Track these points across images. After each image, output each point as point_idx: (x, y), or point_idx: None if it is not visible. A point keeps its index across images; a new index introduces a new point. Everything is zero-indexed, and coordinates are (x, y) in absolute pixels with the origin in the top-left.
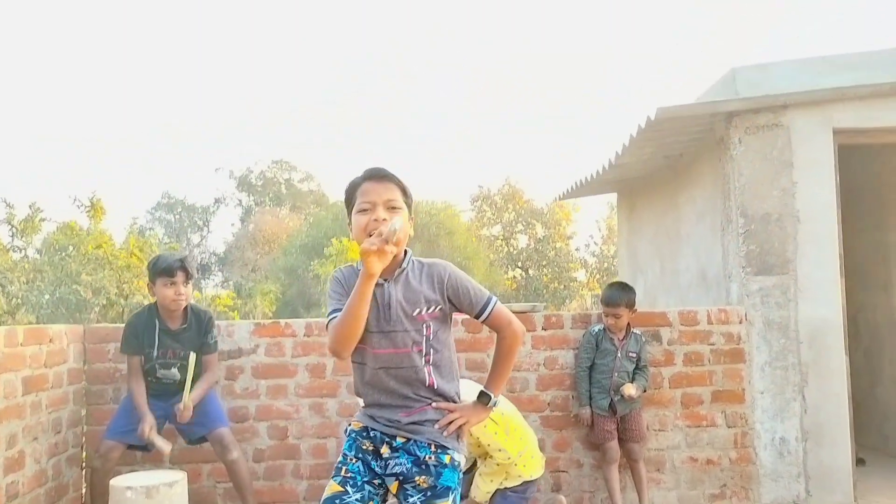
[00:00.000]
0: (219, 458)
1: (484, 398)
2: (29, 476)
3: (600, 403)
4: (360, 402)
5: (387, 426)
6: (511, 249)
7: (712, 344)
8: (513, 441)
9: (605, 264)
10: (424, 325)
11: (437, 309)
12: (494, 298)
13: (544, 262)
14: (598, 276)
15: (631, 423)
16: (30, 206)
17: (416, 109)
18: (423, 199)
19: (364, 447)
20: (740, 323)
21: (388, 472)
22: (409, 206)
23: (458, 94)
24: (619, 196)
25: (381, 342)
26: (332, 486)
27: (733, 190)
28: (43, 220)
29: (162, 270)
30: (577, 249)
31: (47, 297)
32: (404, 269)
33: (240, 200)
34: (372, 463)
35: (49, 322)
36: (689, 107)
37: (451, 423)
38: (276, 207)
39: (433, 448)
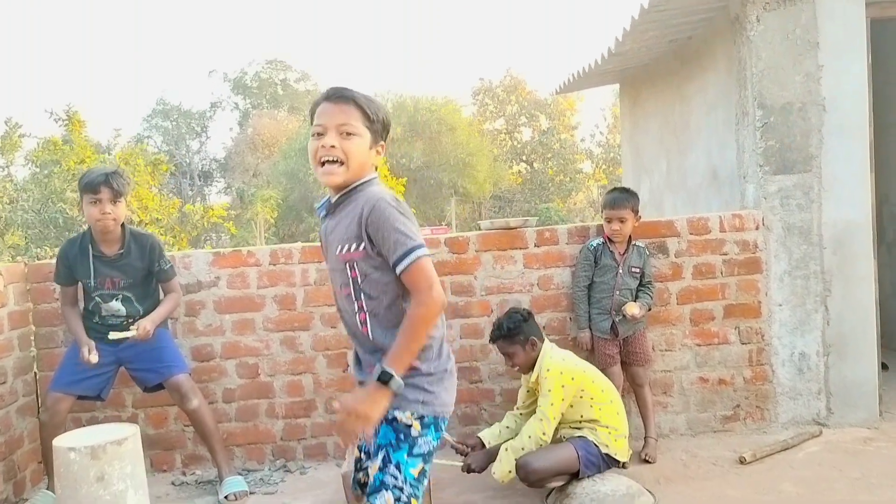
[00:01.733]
0: (178, 406)
1: (384, 377)
2: None
3: (601, 325)
4: None
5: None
6: (515, 143)
7: (725, 254)
8: (600, 412)
9: (612, 154)
10: (348, 265)
11: (361, 248)
12: (420, 252)
13: (549, 155)
14: (604, 166)
15: (635, 346)
16: (6, 122)
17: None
18: (423, 95)
19: None
20: (757, 229)
21: None
22: (375, 132)
23: None
24: (622, 87)
25: (331, 279)
26: None
27: (750, 77)
28: (23, 136)
29: (85, 186)
30: (582, 140)
31: (32, 216)
32: (342, 200)
33: (236, 104)
34: None
35: (39, 242)
36: None
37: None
38: (273, 110)
39: None
